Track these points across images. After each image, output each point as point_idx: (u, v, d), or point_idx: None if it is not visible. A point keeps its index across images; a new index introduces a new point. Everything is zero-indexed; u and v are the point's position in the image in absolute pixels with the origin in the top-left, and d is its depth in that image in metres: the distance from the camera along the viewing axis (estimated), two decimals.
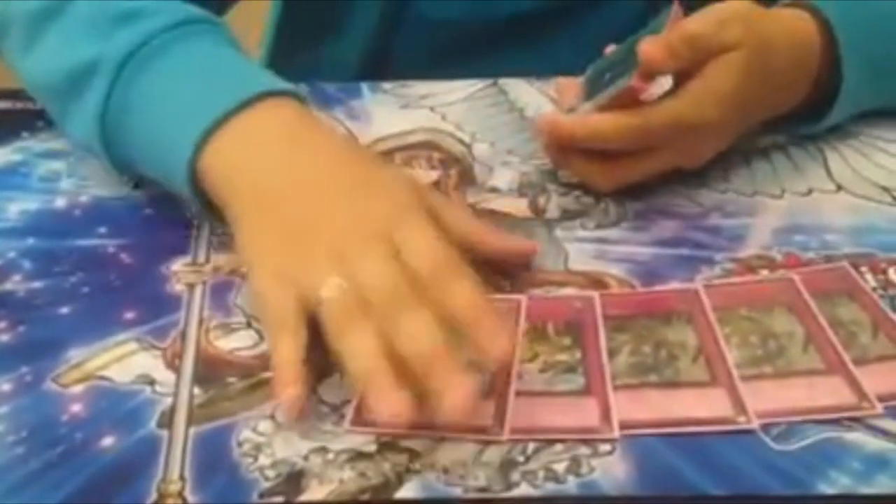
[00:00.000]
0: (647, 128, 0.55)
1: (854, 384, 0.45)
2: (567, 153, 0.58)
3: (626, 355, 0.48)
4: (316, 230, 0.47)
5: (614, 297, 0.51)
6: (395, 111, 0.66)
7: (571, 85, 0.59)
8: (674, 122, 0.55)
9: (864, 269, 0.53)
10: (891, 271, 0.53)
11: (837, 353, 0.47)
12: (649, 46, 0.54)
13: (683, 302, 0.50)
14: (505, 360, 0.44)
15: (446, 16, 0.70)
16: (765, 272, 0.52)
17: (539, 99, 0.67)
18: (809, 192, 0.59)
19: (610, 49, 0.59)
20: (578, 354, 0.48)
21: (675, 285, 0.52)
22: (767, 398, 0.45)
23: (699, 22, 0.55)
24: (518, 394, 0.45)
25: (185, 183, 0.51)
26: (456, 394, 0.42)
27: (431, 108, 0.66)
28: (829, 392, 0.45)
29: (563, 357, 0.48)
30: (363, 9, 0.73)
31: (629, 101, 0.55)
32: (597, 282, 0.53)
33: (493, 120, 0.66)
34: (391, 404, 0.42)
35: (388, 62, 0.69)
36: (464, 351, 0.44)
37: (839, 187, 0.59)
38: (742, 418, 0.44)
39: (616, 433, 0.44)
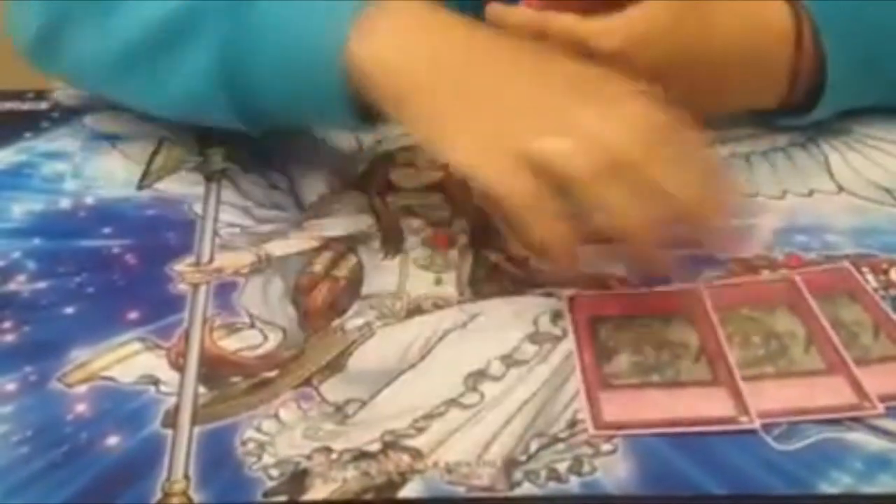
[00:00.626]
0: (545, 29, 0.56)
1: (855, 384, 0.45)
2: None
3: (628, 355, 0.48)
4: (519, 99, 0.47)
5: (614, 297, 0.51)
6: None
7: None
8: (568, 33, 0.56)
9: (865, 269, 0.53)
10: (892, 272, 0.53)
11: (839, 353, 0.47)
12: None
13: (685, 302, 0.50)
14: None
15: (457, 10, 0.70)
16: (766, 272, 0.52)
17: None
18: (811, 192, 0.59)
19: None
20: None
21: (677, 285, 0.52)
22: (769, 398, 0.45)
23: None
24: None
25: (335, 80, 0.49)
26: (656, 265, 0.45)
27: None
28: (830, 392, 0.45)
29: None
30: None
31: None
32: (598, 282, 0.53)
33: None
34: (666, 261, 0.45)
35: None
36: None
37: (840, 188, 0.60)
38: (744, 418, 0.44)
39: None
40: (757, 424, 0.44)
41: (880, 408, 0.44)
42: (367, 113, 0.52)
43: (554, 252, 0.46)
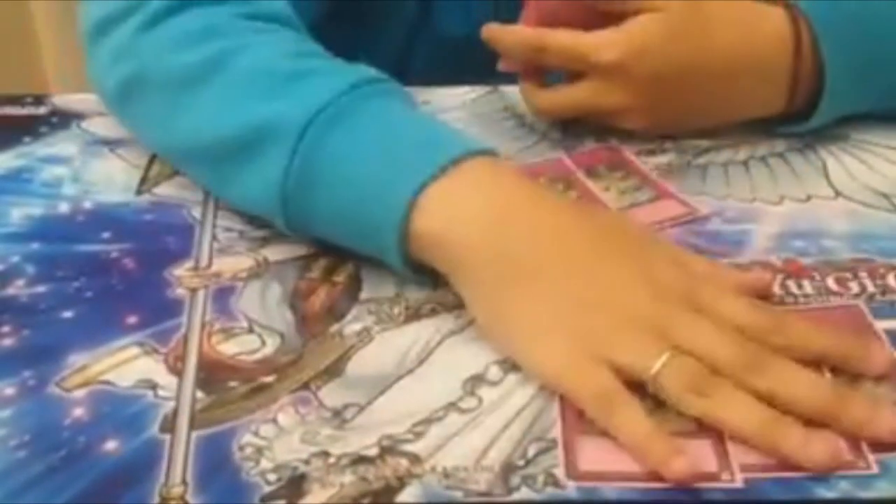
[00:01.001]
0: (544, 45, 0.59)
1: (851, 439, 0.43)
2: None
3: None
4: (607, 298, 0.45)
5: None
6: None
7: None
8: (567, 47, 0.58)
9: (862, 274, 0.53)
10: (889, 277, 0.53)
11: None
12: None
13: None
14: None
15: (466, 34, 0.71)
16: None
17: None
18: (808, 198, 0.60)
19: None
20: None
21: None
22: (751, 449, 0.43)
23: None
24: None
25: (395, 249, 0.48)
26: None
27: (432, 115, 0.67)
28: (822, 447, 0.43)
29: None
30: (388, 29, 0.74)
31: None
32: None
33: (492, 127, 0.66)
34: (823, 448, 0.42)
35: (404, 80, 0.69)
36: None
37: (838, 193, 0.60)
38: (726, 475, 0.42)
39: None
40: (739, 483, 0.42)
41: (874, 466, 0.42)
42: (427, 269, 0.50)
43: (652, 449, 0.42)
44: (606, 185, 0.59)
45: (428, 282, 0.51)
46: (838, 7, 0.60)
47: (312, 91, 0.51)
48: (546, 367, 0.45)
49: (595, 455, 0.43)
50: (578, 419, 0.44)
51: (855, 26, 0.60)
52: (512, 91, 0.68)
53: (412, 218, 0.48)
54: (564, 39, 0.59)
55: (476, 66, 0.63)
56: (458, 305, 0.51)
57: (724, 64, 0.60)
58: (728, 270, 0.50)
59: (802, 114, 0.62)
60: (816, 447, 0.42)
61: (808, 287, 0.52)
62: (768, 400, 0.43)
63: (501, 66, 0.64)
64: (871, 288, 0.52)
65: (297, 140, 0.50)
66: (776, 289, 0.52)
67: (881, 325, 0.50)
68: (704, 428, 0.44)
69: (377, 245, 0.50)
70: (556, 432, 0.44)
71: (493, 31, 0.61)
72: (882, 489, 0.42)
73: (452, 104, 0.68)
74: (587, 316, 0.45)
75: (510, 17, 0.62)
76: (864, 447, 0.43)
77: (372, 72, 0.54)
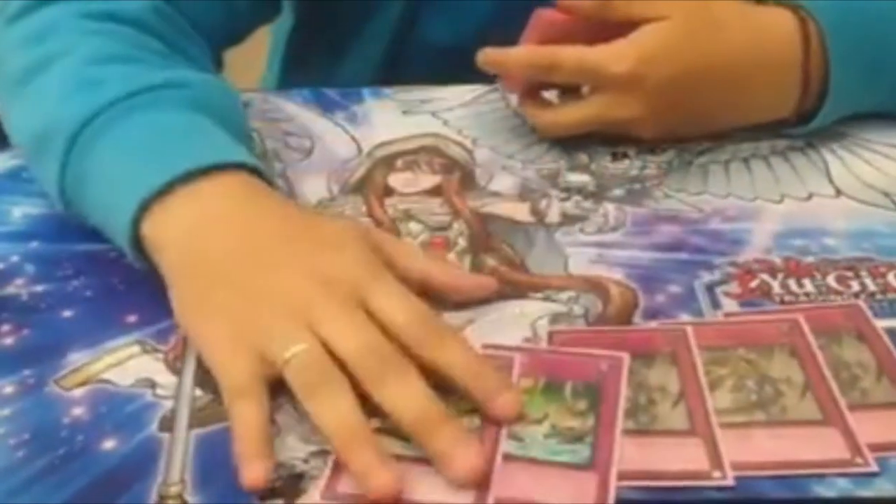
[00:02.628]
0: (555, 63, 0.58)
1: (850, 437, 0.43)
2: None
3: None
4: (271, 293, 0.45)
5: (593, 334, 0.49)
6: (396, 116, 0.66)
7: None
8: (579, 62, 0.58)
9: (863, 273, 0.53)
10: (890, 276, 0.53)
11: (836, 402, 0.45)
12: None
13: (668, 341, 0.48)
14: (510, 415, 0.43)
15: (452, 41, 0.70)
16: (770, 306, 0.51)
17: None
18: (809, 196, 0.59)
19: None
20: (591, 422, 0.44)
21: (659, 324, 0.50)
22: (754, 448, 0.43)
23: None
24: (508, 458, 0.42)
25: (129, 251, 0.51)
26: (468, 456, 0.41)
27: (433, 113, 0.67)
28: (821, 445, 0.43)
29: (573, 423, 0.44)
30: (373, 32, 0.74)
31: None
32: (596, 285, 0.53)
33: (494, 125, 0.66)
34: (380, 476, 0.40)
35: (392, 85, 0.70)
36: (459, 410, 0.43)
37: (839, 192, 0.60)
38: (717, 473, 0.42)
39: None
40: (730, 480, 0.42)
41: (872, 465, 0.42)
42: None
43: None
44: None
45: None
46: (845, 7, 0.60)
47: (93, 98, 0.53)
48: (206, 354, 0.46)
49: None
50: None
51: (862, 26, 0.60)
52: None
53: (139, 227, 0.50)
54: (576, 55, 0.59)
55: (464, 72, 0.63)
56: (449, 305, 0.51)
57: (735, 68, 0.59)
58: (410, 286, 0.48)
59: (807, 114, 0.61)
60: (376, 480, 0.40)
61: (808, 285, 0.52)
62: (374, 406, 0.43)
63: (505, 86, 0.63)
64: (871, 286, 0.52)
65: (70, 144, 0.53)
66: (776, 287, 0.52)
67: (881, 323, 0.49)
68: (696, 428, 0.44)
69: (122, 246, 0.51)
70: None
71: (493, 55, 0.61)
72: (881, 488, 0.42)
73: (453, 103, 0.68)
74: (248, 303, 0.46)
75: (496, 22, 0.62)
76: (863, 445, 0.43)
77: (160, 78, 0.55)
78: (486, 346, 0.48)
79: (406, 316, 0.45)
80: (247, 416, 0.43)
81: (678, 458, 0.43)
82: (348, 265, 0.46)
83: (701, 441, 0.43)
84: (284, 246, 0.48)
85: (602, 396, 0.45)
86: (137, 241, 0.50)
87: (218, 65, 0.67)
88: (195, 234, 0.49)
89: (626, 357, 0.47)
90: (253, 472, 0.42)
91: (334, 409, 0.43)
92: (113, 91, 0.54)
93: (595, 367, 0.47)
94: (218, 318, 0.46)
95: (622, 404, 0.45)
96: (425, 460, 0.42)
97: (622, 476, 0.42)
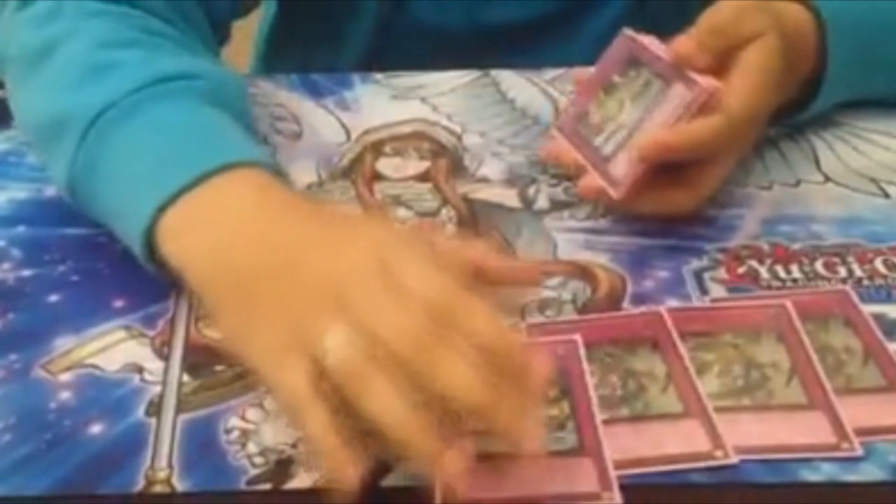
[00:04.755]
0: (734, 124, 0.53)
1: (835, 421, 0.43)
2: (641, 191, 0.54)
3: (596, 388, 0.46)
4: (305, 294, 0.42)
5: (575, 323, 0.49)
6: (386, 102, 0.66)
7: (586, 79, 0.58)
8: (752, 113, 0.53)
9: (850, 259, 0.53)
10: (877, 261, 0.53)
11: (822, 387, 0.45)
12: (680, 45, 0.54)
13: (651, 327, 0.48)
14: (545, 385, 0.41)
15: (440, 21, 0.70)
16: (759, 292, 0.51)
17: (530, 90, 0.67)
18: (798, 183, 0.59)
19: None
20: (567, 408, 0.44)
21: (642, 309, 0.50)
22: (743, 432, 0.43)
23: (720, 14, 0.55)
24: (499, 457, 0.41)
25: (142, 255, 0.49)
26: (532, 431, 0.39)
27: (422, 99, 0.66)
28: (807, 429, 0.43)
29: (551, 412, 0.44)
30: (360, 13, 0.73)
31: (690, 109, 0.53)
32: (585, 271, 0.53)
33: (483, 111, 0.66)
34: (450, 458, 0.39)
35: (382, 66, 0.69)
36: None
37: (827, 178, 0.60)
38: (719, 452, 0.42)
39: (617, 497, 0.41)
40: (734, 459, 0.42)
41: (858, 449, 0.42)
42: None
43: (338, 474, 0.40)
44: (620, 100, 0.56)
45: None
46: (843, 2, 0.59)
47: (107, 86, 0.52)
48: (261, 375, 0.43)
49: (472, 481, 0.39)
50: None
51: (858, 15, 0.60)
52: (504, 75, 0.68)
53: (155, 239, 0.48)
54: (716, 127, 0.53)
55: (453, 52, 0.63)
56: None
57: (794, 79, 0.58)
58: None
59: (799, 102, 0.61)
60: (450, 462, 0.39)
61: (796, 271, 0.52)
62: (425, 388, 0.40)
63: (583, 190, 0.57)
64: (858, 272, 0.52)
65: (83, 134, 0.51)
66: (764, 273, 0.52)
67: (868, 309, 0.50)
68: (692, 410, 0.44)
69: (133, 246, 0.49)
70: None
71: (657, 144, 0.53)
72: (867, 472, 0.42)
73: (444, 88, 0.67)
74: (284, 310, 0.43)
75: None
76: (849, 430, 0.43)
77: (174, 68, 0.53)
78: None
79: (437, 293, 0.41)
80: (317, 426, 0.40)
81: (677, 441, 0.43)
82: (374, 247, 0.43)
83: (697, 422, 0.44)
84: (310, 244, 0.45)
85: (569, 381, 0.45)
86: (151, 246, 0.48)
87: (223, 40, 0.66)
88: (219, 246, 0.46)
89: (578, 339, 0.47)
90: (350, 479, 0.39)
91: (382, 401, 0.40)
92: (128, 80, 0.52)
93: (553, 352, 0.46)
94: (260, 335, 0.43)
95: (591, 383, 0.45)
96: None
97: (624, 465, 0.42)
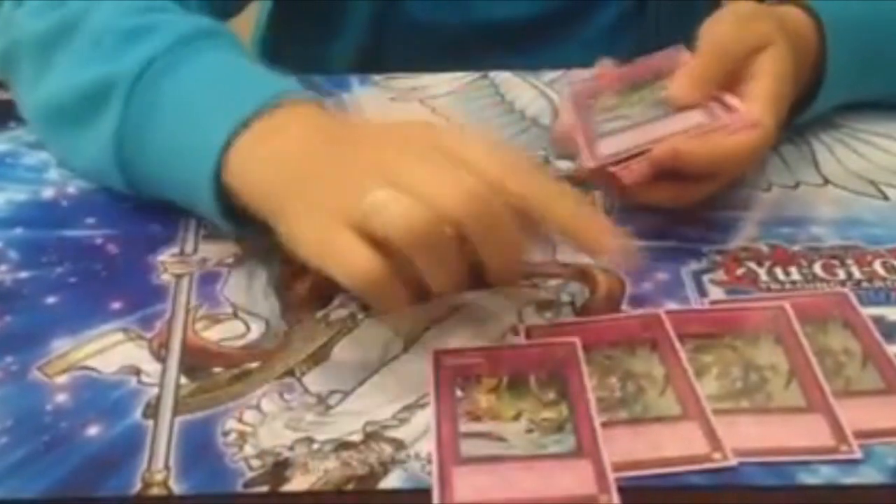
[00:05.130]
0: (769, 138, 0.53)
1: (835, 424, 0.43)
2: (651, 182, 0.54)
3: (594, 391, 0.45)
4: (360, 172, 0.45)
5: (572, 325, 0.49)
6: (384, 104, 0.66)
7: (611, 72, 0.58)
8: (778, 122, 0.54)
9: (849, 261, 0.53)
10: (876, 264, 0.53)
11: (821, 389, 0.45)
12: (678, 90, 0.54)
13: (649, 329, 0.48)
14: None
15: (435, 20, 0.70)
16: (757, 295, 0.51)
17: (529, 92, 0.67)
18: (797, 185, 0.59)
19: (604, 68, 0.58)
20: (566, 410, 0.45)
21: (641, 311, 0.50)
22: (741, 435, 0.43)
23: (722, 28, 0.54)
24: (498, 460, 0.42)
25: (209, 189, 0.50)
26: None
27: (421, 101, 0.66)
28: (806, 432, 0.43)
29: (549, 414, 0.44)
30: (355, 9, 0.74)
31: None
32: (583, 273, 0.53)
33: (482, 113, 0.66)
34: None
35: (378, 64, 0.69)
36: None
37: (826, 180, 0.60)
38: (717, 455, 0.42)
39: (615, 499, 0.40)
40: (733, 461, 0.42)
41: (857, 452, 0.42)
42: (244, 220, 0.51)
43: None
44: (641, 98, 0.56)
45: (249, 234, 0.51)
46: (842, 4, 0.59)
47: (148, 45, 0.53)
48: (329, 268, 0.45)
49: (470, 485, 0.41)
50: (453, 450, 0.43)
51: (858, 18, 0.60)
52: (502, 77, 0.68)
53: (223, 168, 0.49)
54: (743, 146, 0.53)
55: (452, 53, 0.63)
56: (444, 292, 0.51)
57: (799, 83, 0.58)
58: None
59: (797, 104, 0.61)
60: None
61: (795, 273, 0.52)
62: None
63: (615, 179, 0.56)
64: (857, 275, 0.52)
65: (130, 92, 0.52)
66: (763, 275, 0.52)
67: (867, 311, 0.50)
68: (690, 412, 0.44)
69: (196, 196, 0.51)
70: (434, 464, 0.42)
71: (671, 152, 0.52)
72: (866, 475, 0.42)
73: (441, 91, 0.67)
74: (340, 194, 0.44)
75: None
76: (848, 433, 0.43)
77: (208, 24, 0.56)
78: (438, 352, 0.47)
79: (492, 160, 0.44)
80: (389, 299, 0.43)
81: (676, 443, 0.43)
82: (427, 131, 0.46)
83: (696, 425, 0.43)
84: (366, 139, 0.47)
85: (567, 383, 0.45)
86: (220, 179, 0.49)
87: None
88: (284, 157, 0.48)
89: (577, 341, 0.47)
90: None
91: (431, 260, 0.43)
92: (165, 37, 0.53)
93: (551, 354, 0.47)
94: (320, 223, 0.45)
95: (589, 387, 0.45)
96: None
97: (622, 467, 0.42)
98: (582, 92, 0.58)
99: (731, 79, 0.54)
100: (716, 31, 0.55)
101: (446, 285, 0.44)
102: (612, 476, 0.41)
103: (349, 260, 0.43)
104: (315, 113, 0.51)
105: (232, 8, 0.68)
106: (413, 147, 0.45)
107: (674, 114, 0.54)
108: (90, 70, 0.54)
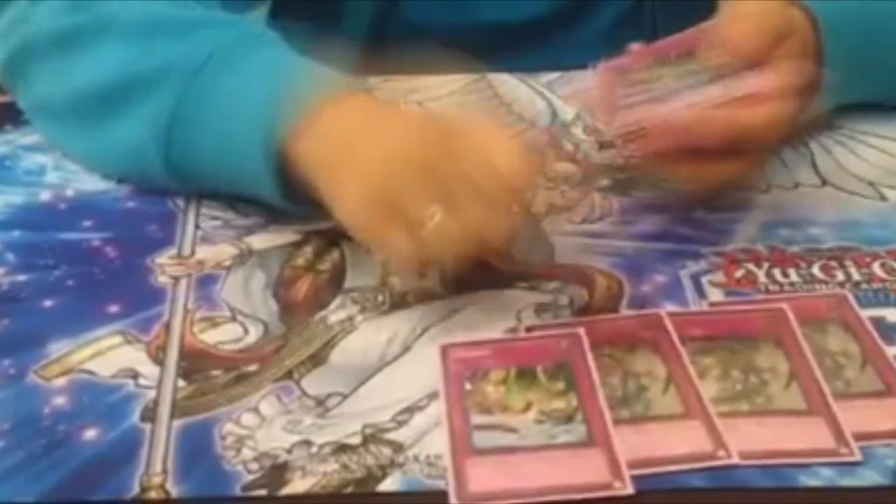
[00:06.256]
0: (785, 116, 0.53)
1: (834, 426, 0.43)
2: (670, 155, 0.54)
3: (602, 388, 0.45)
4: (403, 158, 0.48)
5: (589, 330, 0.48)
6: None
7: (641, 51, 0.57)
8: (790, 105, 0.53)
9: (848, 262, 0.53)
10: (875, 265, 0.53)
11: (821, 391, 0.45)
12: (739, 38, 0.53)
13: (650, 329, 0.48)
14: None
15: (433, 21, 0.70)
16: (758, 297, 0.51)
17: (527, 93, 0.67)
18: (795, 186, 0.59)
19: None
20: (575, 400, 0.45)
21: (639, 311, 0.50)
22: (742, 437, 0.43)
23: (745, 21, 0.54)
24: (511, 451, 0.43)
25: (266, 165, 0.52)
26: None
27: (419, 103, 0.66)
28: (806, 434, 0.43)
29: (558, 404, 0.45)
30: (354, 10, 0.74)
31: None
32: (582, 274, 0.52)
33: (481, 114, 0.66)
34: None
35: (375, 67, 0.69)
36: None
37: (825, 182, 0.60)
38: (721, 452, 0.42)
39: (629, 486, 0.41)
40: (736, 458, 0.42)
41: (857, 454, 0.42)
42: (296, 196, 0.54)
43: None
44: (664, 74, 0.56)
45: (306, 212, 0.54)
46: (839, 3, 0.59)
47: (209, 37, 0.56)
48: (359, 235, 0.50)
49: (484, 476, 0.42)
50: (465, 442, 0.43)
51: (856, 19, 0.60)
52: (500, 79, 0.67)
53: (286, 145, 0.52)
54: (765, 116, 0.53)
55: (450, 54, 0.63)
56: (442, 294, 0.51)
57: None
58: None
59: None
60: None
61: (793, 275, 0.52)
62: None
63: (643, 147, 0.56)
64: (856, 276, 0.52)
65: (191, 78, 0.54)
66: (762, 276, 0.52)
67: (866, 313, 0.49)
68: (693, 411, 0.44)
69: (253, 176, 0.53)
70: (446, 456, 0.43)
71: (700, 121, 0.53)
72: (865, 477, 0.42)
73: (441, 92, 0.67)
74: (387, 174, 0.48)
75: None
76: (848, 435, 0.43)
77: (258, 25, 0.59)
78: (445, 346, 0.48)
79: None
80: (421, 277, 0.50)
81: (680, 441, 0.43)
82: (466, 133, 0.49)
83: (699, 423, 0.44)
84: (412, 132, 0.50)
85: (575, 373, 0.46)
86: (278, 167, 0.52)
87: None
88: (339, 138, 0.51)
89: (581, 332, 0.47)
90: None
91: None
92: (227, 31, 0.56)
93: (557, 346, 0.47)
94: (371, 211, 0.48)
95: (596, 376, 0.45)
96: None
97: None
98: (609, 69, 0.58)
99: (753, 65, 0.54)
100: (738, 26, 0.55)
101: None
102: (624, 466, 0.41)
103: (396, 251, 0.49)
104: (367, 99, 0.54)
105: (246, 9, 0.68)
106: (457, 154, 0.48)
107: (697, 87, 0.54)
108: (143, 57, 0.56)
